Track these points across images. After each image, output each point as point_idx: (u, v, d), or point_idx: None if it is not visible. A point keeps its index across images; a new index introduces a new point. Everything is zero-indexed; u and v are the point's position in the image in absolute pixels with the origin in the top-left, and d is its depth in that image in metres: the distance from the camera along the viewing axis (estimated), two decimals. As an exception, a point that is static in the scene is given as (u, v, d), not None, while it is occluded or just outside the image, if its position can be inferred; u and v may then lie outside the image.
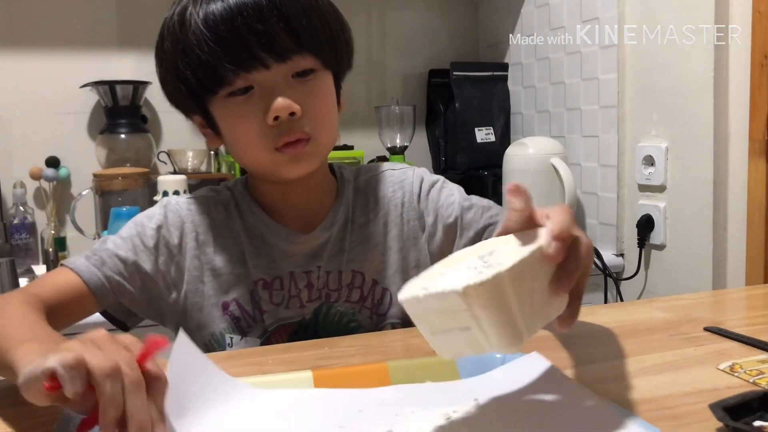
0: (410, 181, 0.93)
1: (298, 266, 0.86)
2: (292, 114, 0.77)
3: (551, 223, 0.52)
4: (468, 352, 0.50)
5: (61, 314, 0.75)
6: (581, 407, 0.56)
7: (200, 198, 0.90)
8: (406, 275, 0.89)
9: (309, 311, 0.87)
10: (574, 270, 0.52)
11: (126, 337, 0.53)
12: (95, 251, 0.82)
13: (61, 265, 0.82)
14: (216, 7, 0.75)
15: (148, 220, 0.86)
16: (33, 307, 0.70)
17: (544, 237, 0.51)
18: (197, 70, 0.77)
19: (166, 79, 0.82)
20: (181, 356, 0.54)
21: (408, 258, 0.90)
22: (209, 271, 0.86)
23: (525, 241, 0.52)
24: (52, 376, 0.47)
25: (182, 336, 0.55)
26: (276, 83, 0.77)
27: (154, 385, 0.50)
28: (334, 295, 0.87)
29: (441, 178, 0.94)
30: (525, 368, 0.63)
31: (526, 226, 0.54)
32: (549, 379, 0.62)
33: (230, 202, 0.89)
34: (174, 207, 0.88)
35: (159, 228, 0.86)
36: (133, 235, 0.85)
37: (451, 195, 0.91)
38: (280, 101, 0.76)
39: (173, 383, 0.51)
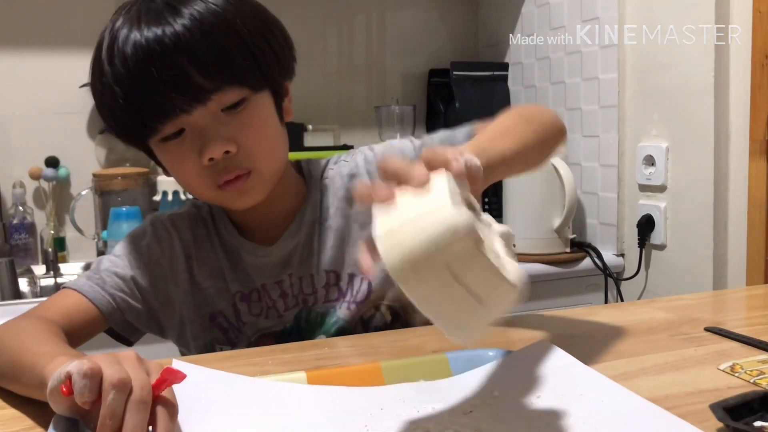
0: (359, 165, 0.90)
1: (269, 277, 0.86)
2: (228, 152, 0.74)
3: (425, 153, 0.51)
4: (478, 326, 0.47)
5: (72, 336, 0.75)
6: (603, 394, 0.57)
7: (183, 214, 0.90)
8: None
9: (289, 319, 0.87)
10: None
11: (152, 363, 0.53)
12: (95, 271, 0.83)
13: (64, 287, 0.82)
14: (124, 56, 0.71)
15: (139, 238, 0.87)
16: (51, 329, 0.71)
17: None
18: (123, 123, 0.75)
19: (103, 119, 0.80)
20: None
21: None
22: (195, 285, 0.87)
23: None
24: (69, 380, 0.48)
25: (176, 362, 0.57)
26: (205, 123, 0.74)
27: (163, 409, 0.50)
28: (311, 299, 0.87)
29: (390, 141, 0.91)
30: (536, 356, 0.64)
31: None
32: (565, 365, 0.62)
33: (208, 218, 0.89)
34: (160, 224, 0.89)
35: (150, 245, 0.86)
36: (126, 252, 0.85)
37: (403, 149, 0.88)
38: (211, 144, 0.73)
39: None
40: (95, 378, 0.48)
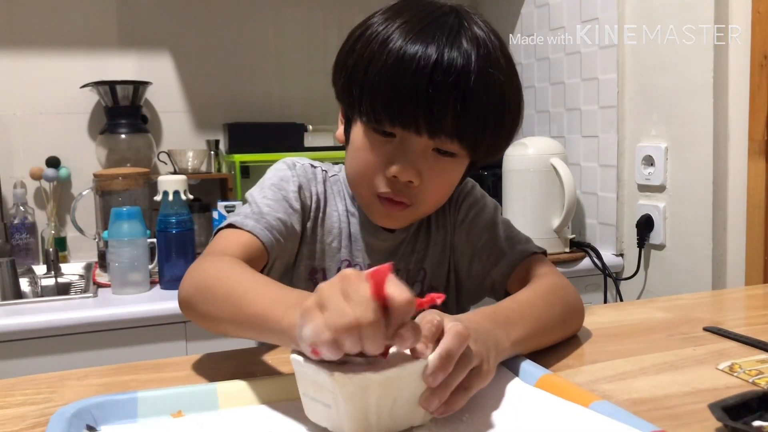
0: (486, 208, 0.93)
1: (376, 261, 0.89)
2: (411, 182, 0.78)
3: (441, 350, 0.52)
4: (326, 424, 0.53)
5: None
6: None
7: (319, 168, 0.92)
8: (448, 280, 0.93)
9: None
10: (445, 391, 0.52)
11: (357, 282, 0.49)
12: (258, 213, 0.82)
13: (230, 225, 0.81)
14: (422, 53, 0.72)
15: (286, 182, 0.87)
16: (254, 272, 0.71)
17: (430, 358, 0.52)
18: (364, 91, 0.76)
19: (340, 64, 0.81)
20: None
21: (455, 266, 0.93)
22: (314, 236, 0.89)
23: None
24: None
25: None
26: (416, 148, 0.77)
27: (395, 312, 0.48)
28: None
29: (502, 220, 0.93)
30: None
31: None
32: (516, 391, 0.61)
33: (340, 182, 0.92)
34: (301, 168, 0.90)
35: (299, 189, 0.87)
36: (279, 198, 0.85)
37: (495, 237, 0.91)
38: (406, 169, 0.76)
39: None
40: (333, 344, 0.48)
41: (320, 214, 0.89)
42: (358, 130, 0.80)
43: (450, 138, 0.75)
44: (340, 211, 0.90)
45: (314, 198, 0.89)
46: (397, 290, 0.48)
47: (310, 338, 0.49)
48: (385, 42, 0.75)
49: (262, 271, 0.83)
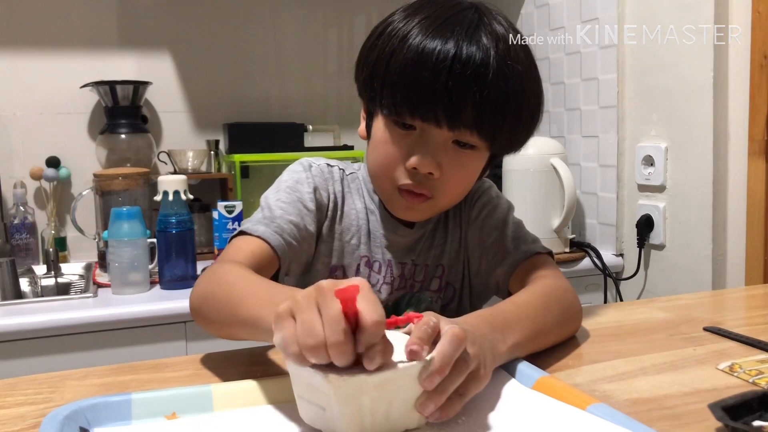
0: (498, 208, 0.94)
1: (396, 256, 0.91)
2: (431, 174, 0.79)
3: (437, 353, 0.51)
4: (321, 426, 0.53)
5: None
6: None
7: (336, 167, 0.93)
8: (466, 277, 0.94)
9: (394, 298, 0.91)
10: (441, 396, 0.52)
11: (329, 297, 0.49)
12: (269, 218, 0.83)
13: (241, 232, 0.83)
14: (441, 47, 0.73)
15: (301, 184, 0.88)
16: (254, 274, 0.72)
17: (426, 361, 0.51)
18: (385, 84, 0.77)
19: (362, 60, 0.82)
20: None
21: (469, 263, 0.94)
22: (331, 234, 0.90)
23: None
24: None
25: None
26: (435, 140, 0.78)
27: (364, 332, 0.48)
28: (417, 286, 0.92)
29: (514, 221, 0.95)
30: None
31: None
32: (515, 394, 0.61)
33: (358, 179, 0.93)
34: (317, 169, 0.91)
35: (315, 190, 0.88)
36: (294, 200, 0.86)
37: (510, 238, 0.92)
38: (426, 161, 0.77)
39: None
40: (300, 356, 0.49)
41: (338, 213, 0.90)
42: (379, 123, 0.81)
43: (469, 130, 0.76)
44: (358, 209, 0.91)
45: (332, 197, 0.90)
46: (367, 309, 0.48)
47: (280, 347, 0.50)
48: (405, 37, 0.76)
49: (278, 275, 0.84)
